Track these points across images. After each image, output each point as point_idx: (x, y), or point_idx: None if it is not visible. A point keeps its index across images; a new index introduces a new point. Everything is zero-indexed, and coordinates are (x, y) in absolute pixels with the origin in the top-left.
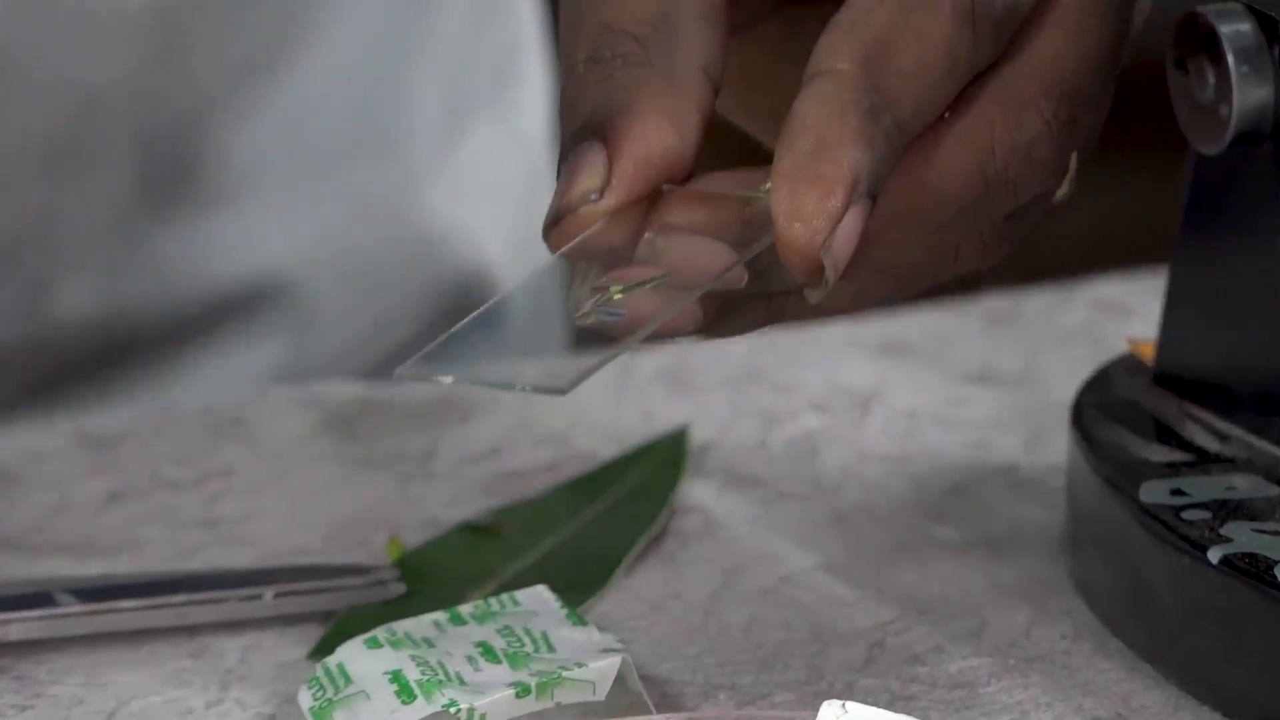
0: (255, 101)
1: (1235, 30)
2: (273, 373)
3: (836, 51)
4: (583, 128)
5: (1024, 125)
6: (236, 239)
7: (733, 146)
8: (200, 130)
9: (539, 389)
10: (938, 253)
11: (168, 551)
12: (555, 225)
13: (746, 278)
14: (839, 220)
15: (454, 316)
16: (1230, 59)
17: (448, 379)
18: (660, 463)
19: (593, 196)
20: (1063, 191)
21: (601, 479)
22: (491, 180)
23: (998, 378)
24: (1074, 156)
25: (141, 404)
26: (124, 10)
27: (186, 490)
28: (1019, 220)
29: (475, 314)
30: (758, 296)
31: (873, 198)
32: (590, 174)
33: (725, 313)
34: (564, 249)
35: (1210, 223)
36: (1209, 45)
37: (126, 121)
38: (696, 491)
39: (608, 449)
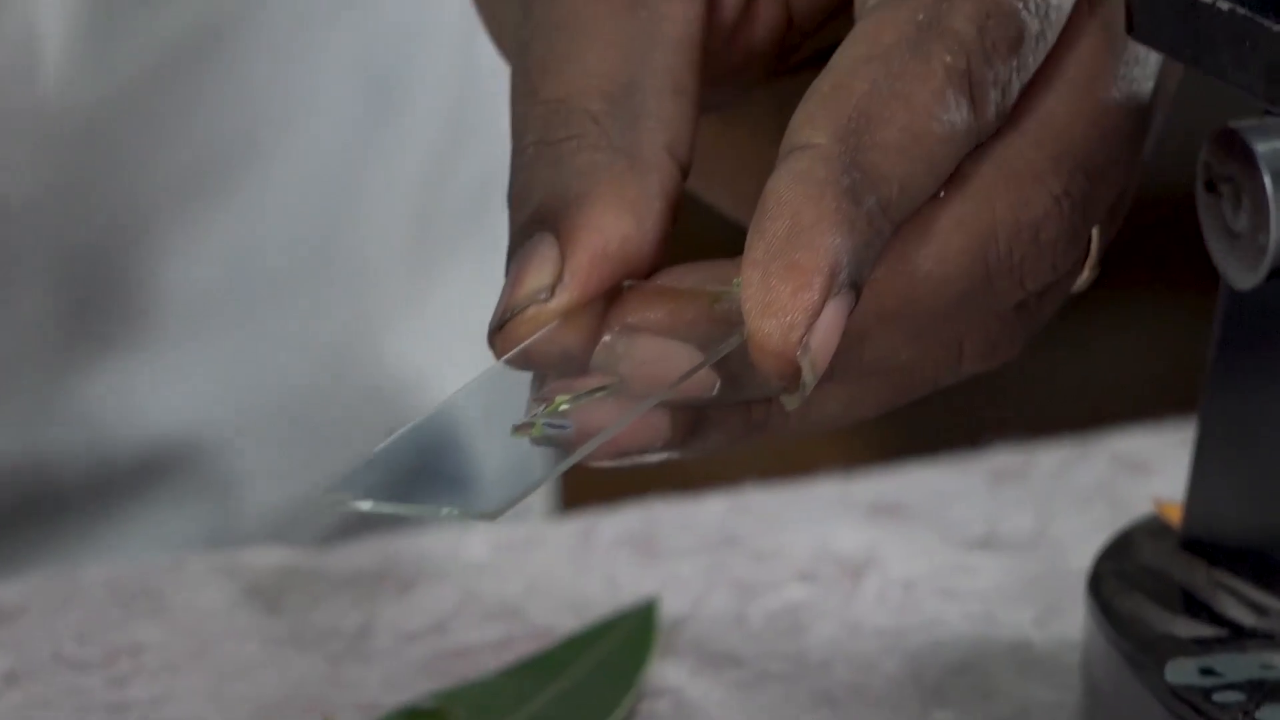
0: (194, 223)
1: (1274, 148)
2: (201, 536)
3: (813, 123)
4: (531, 218)
5: (1030, 203)
6: (168, 382)
7: (718, 237)
8: (130, 254)
9: (465, 513)
10: (937, 352)
11: None
12: (501, 328)
13: (718, 385)
14: (816, 315)
15: None
16: (1268, 181)
17: (366, 504)
18: (626, 639)
19: (542, 295)
20: (1082, 279)
21: (560, 658)
22: (461, 324)
23: (1005, 542)
24: (1094, 237)
25: (43, 571)
26: (40, 110)
27: (92, 670)
28: (1031, 313)
29: (402, 430)
30: (733, 407)
31: (856, 289)
32: (539, 270)
33: (697, 427)
34: (509, 354)
35: (1243, 367)
36: (1244, 164)
37: (43, 239)
38: (667, 672)
39: (567, 623)
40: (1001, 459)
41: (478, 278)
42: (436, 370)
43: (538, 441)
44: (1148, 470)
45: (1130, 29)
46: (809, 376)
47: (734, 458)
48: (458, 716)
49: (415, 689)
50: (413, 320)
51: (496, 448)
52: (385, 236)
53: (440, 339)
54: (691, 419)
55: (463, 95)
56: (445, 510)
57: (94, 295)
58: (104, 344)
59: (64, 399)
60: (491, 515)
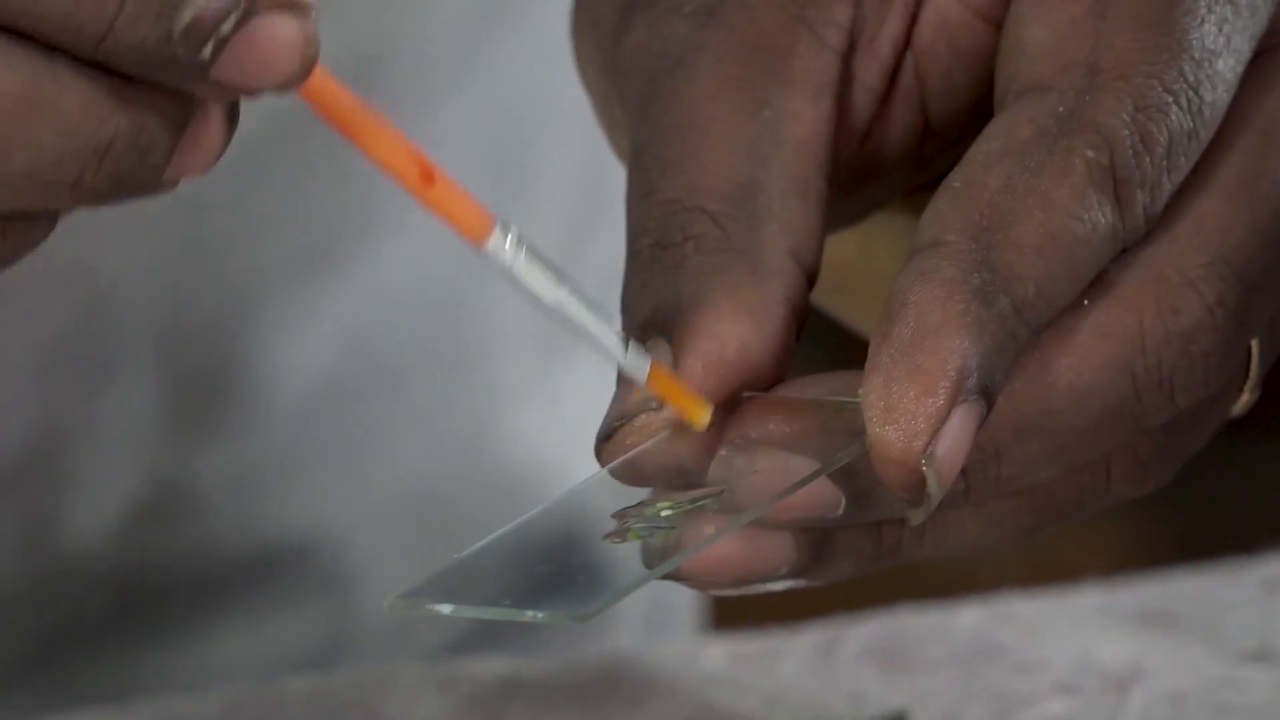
0: (307, 304)
1: None
2: (317, 640)
3: (943, 220)
4: (646, 323)
5: (1181, 311)
6: (281, 472)
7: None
8: (239, 336)
9: (551, 618)
10: (1083, 473)
11: None
12: (609, 437)
13: (844, 503)
14: (941, 422)
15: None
16: None
17: (446, 609)
18: None
19: (653, 404)
20: (1243, 401)
21: None
22: (590, 410)
23: (1279, 655)
24: (1254, 352)
25: (241, 682)
26: None
27: None
28: (1184, 434)
29: (492, 537)
30: (863, 530)
31: (988, 397)
32: None
33: (824, 551)
34: (614, 463)
35: None
36: None
37: (147, 320)
38: None
39: None
40: (1276, 567)
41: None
42: (564, 458)
43: (633, 549)
44: None
45: None
46: (934, 489)
47: (990, 561)
48: None
49: None
50: (539, 407)
51: (591, 556)
52: (510, 319)
53: (568, 426)
54: (818, 542)
55: (594, 176)
56: (530, 614)
57: (201, 380)
58: (212, 432)
59: (170, 492)
60: (581, 619)
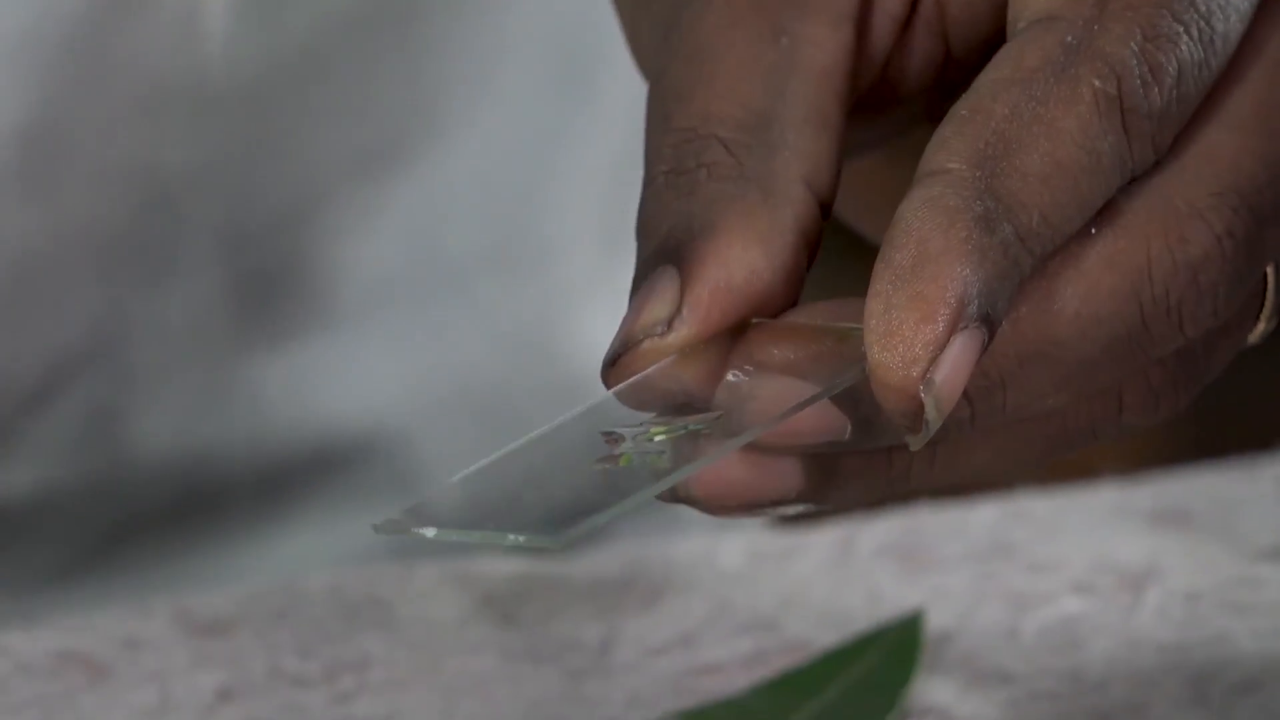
0: (371, 201)
1: None
2: (381, 542)
3: (947, 148)
4: (657, 251)
5: (1189, 241)
6: (342, 370)
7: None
8: (302, 233)
9: (531, 541)
10: (1094, 402)
11: None
12: (615, 361)
13: (849, 428)
14: (940, 349)
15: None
16: None
17: (429, 532)
18: (889, 655)
19: (659, 329)
20: (1258, 330)
21: (817, 674)
22: None
23: None
24: (1271, 280)
25: (259, 580)
26: (203, 80)
27: (314, 686)
28: (1197, 364)
29: (484, 462)
30: (872, 456)
31: (990, 324)
32: (658, 303)
33: (832, 476)
34: (618, 387)
35: None
36: None
37: (209, 217)
38: (933, 690)
39: (825, 638)
40: None
41: None
42: None
43: (623, 471)
44: None
45: None
46: (933, 415)
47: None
48: None
49: (660, 707)
50: (603, 306)
51: (582, 480)
52: (573, 220)
53: None
54: (826, 468)
55: None
56: (511, 538)
57: (263, 277)
58: (274, 329)
59: (231, 388)
60: (561, 543)
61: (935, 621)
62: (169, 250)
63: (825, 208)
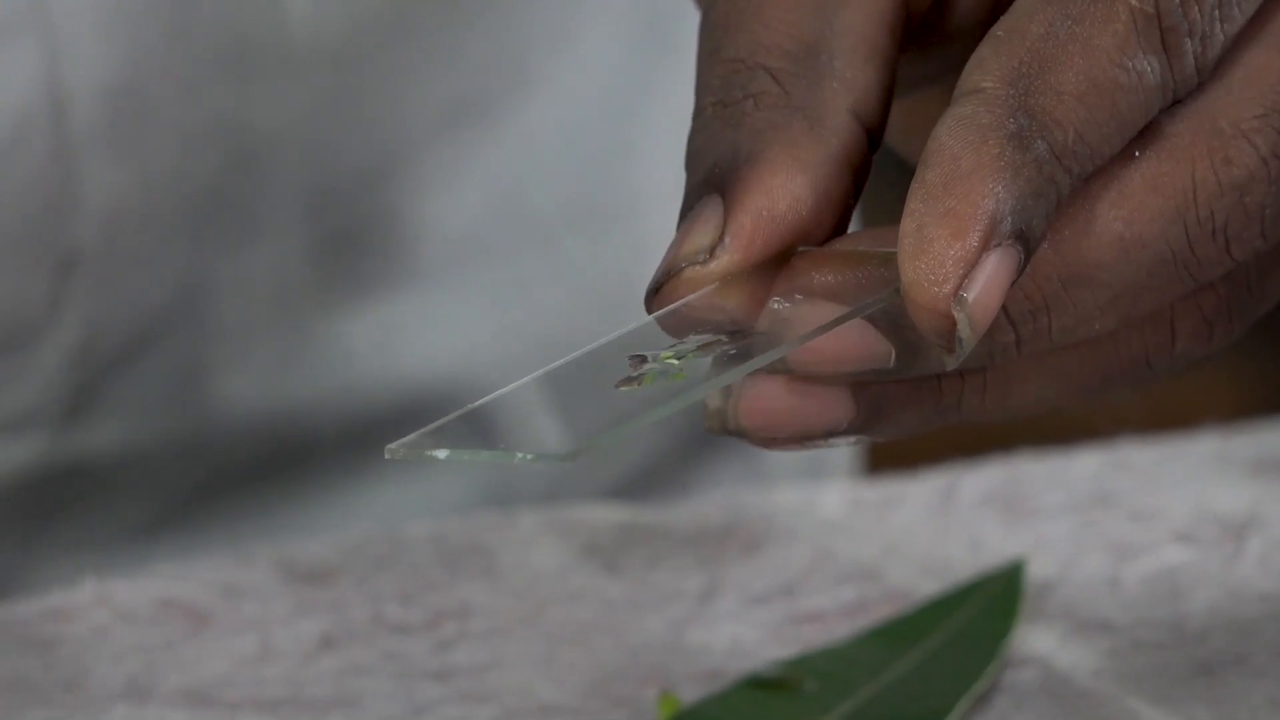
0: (456, 157)
1: None
2: (463, 492)
3: (983, 67)
4: (703, 180)
5: (1234, 162)
6: (429, 325)
7: None
8: (388, 189)
9: (539, 457)
10: (1145, 329)
11: (391, 709)
12: (658, 289)
13: (894, 356)
14: (972, 265)
15: (700, 421)
16: None
17: (441, 453)
18: (990, 604)
19: (701, 257)
20: None
21: (918, 623)
22: None
23: None
24: None
25: (361, 527)
26: (287, 36)
27: (415, 634)
28: (1251, 291)
29: (509, 388)
30: (922, 385)
31: (1026, 243)
32: (701, 231)
33: (883, 407)
34: (660, 313)
35: None
36: None
37: (295, 173)
38: (1034, 639)
39: (926, 587)
40: None
41: None
42: None
43: (643, 391)
44: None
45: None
46: (966, 334)
47: (1108, 409)
48: (808, 686)
49: (761, 656)
50: None
51: (603, 401)
52: (657, 175)
53: None
54: (876, 397)
55: None
56: (519, 456)
57: (349, 232)
58: (360, 285)
59: (317, 344)
60: (568, 457)
61: (1036, 571)
62: (255, 208)
63: (874, 138)
